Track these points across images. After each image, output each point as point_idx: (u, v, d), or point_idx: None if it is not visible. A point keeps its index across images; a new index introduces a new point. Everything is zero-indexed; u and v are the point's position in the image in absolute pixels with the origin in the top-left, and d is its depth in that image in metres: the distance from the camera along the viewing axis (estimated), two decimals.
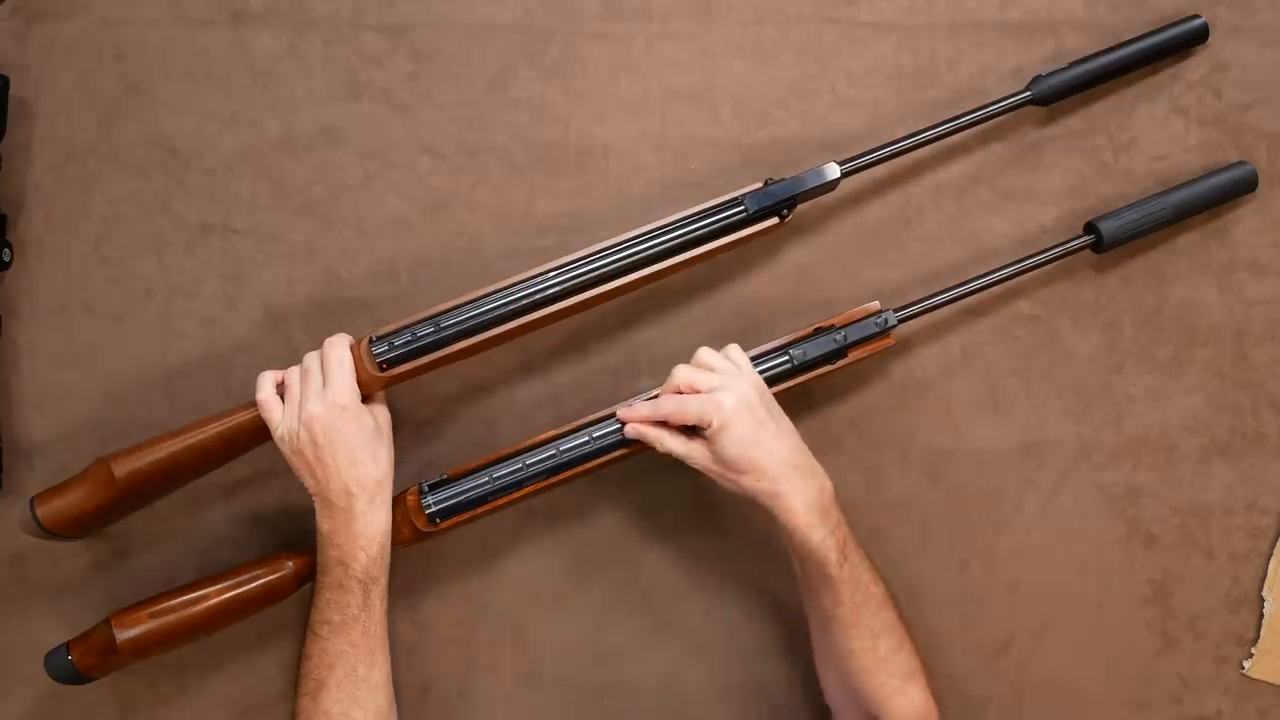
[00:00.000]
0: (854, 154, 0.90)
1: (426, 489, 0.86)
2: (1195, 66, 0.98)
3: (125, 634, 0.82)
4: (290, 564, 0.85)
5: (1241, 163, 0.96)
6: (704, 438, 0.81)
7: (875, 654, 0.81)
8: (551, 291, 0.85)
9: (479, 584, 0.93)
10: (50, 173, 0.93)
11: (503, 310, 0.84)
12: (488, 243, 0.94)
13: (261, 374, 0.84)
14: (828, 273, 0.95)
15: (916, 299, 0.90)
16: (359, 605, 0.81)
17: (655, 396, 0.85)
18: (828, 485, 0.82)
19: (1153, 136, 0.98)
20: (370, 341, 0.84)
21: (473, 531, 0.91)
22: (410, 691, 0.92)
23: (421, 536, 0.86)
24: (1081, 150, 0.97)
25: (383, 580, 0.82)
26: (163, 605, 0.83)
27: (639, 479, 0.93)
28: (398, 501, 0.85)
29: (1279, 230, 0.98)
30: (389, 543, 0.83)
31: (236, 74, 0.94)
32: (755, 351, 0.88)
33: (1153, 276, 0.97)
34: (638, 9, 0.96)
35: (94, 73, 0.94)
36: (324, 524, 0.82)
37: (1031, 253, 0.92)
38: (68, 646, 0.83)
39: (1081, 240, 0.93)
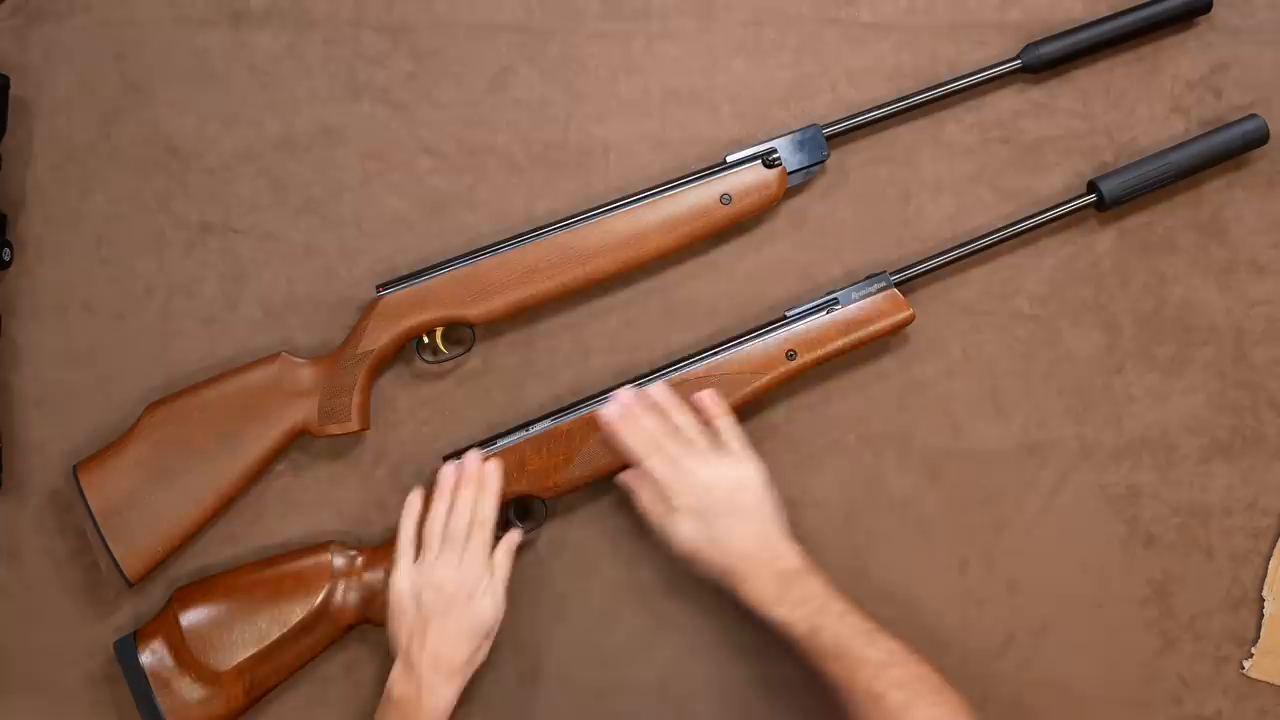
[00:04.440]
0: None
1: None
2: (1195, 66, 0.98)
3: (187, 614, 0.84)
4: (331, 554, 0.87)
5: (1252, 116, 0.95)
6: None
7: (883, 712, 0.76)
8: (548, 228, 0.89)
9: None
10: (50, 173, 0.93)
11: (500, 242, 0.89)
12: (487, 242, 0.94)
13: (413, 495, 0.85)
14: (827, 272, 0.96)
15: (918, 260, 0.91)
16: None
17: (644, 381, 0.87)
18: (790, 564, 0.82)
19: (1153, 136, 0.98)
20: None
21: None
22: None
23: None
24: (1082, 150, 0.97)
25: None
26: (223, 583, 0.86)
27: None
28: None
29: (1279, 230, 0.98)
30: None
31: (236, 74, 0.94)
32: (800, 309, 0.90)
33: (1153, 276, 0.97)
34: (638, 9, 0.96)
35: (94, 73, 0.94)
36: (398, 687, 0.81)
37: (1033, 211, 0.93)
38: (135, 635, 0.84)
39: (1084, 199, 0.93)
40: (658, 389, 0.87)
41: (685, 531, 0.83)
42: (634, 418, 0.86)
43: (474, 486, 0.85)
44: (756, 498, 0.84)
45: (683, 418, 0.86)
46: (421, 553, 0.84)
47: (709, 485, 0.84)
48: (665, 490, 0.84)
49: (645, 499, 0.86)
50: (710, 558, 0.83)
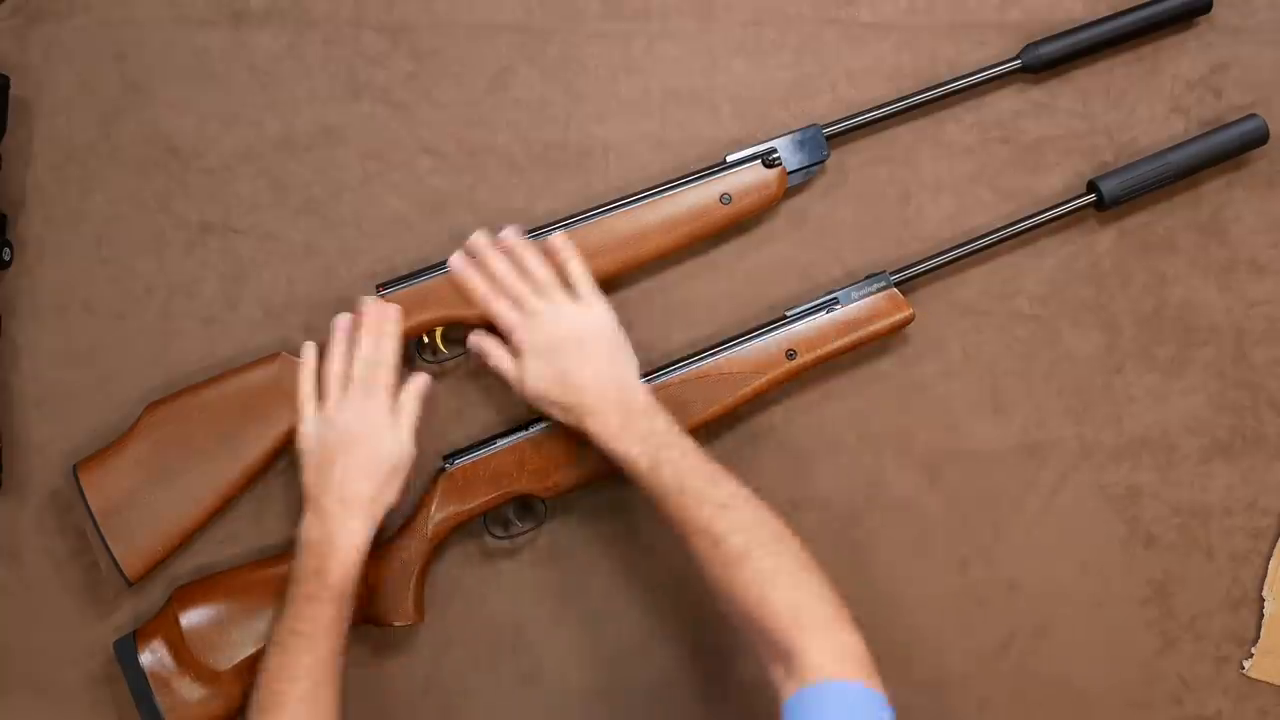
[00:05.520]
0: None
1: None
2: (1195, 66, 0.98)
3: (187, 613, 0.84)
4: None
5: (1251, 116, 0.95)
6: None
7: (718, 559, 0.76)
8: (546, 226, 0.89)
9: (479, 584, 0.93)
10: (50, 173, 0.93)
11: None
12: None
13: (306, 349, 0.86)
14: (827, 272, 0.95)
15: (918, 260, 0.92)
16: (330, 619, 0.79)
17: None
18: (636, 401, 0.82)
19: (1153, 136, 0.98)
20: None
21: (472, 531, 0.91)
22: (410, 692, 0.92)
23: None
24: (1082, 150, 0.97)
25: (353, 604, 0.81)
26: (223, 582, 0.86)
27: None
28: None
29: (1279, 230, 0.98)
30: (362, 566, 0.82)
31: (236, 74, 0.94)
32: (801, 309, 0.90)
33: (1153, 276, 0.97)
34: (638, 9, 0.96)
35: (94, 73, 0.94)
36: (310, 530, 0.81)
37: (1033, 211, 0.93)
38: (134, 635, 0.85)
39: (1084, 199, 0.93)
40: (509, 231, 0.88)
41: (534, 371, 0.84)
42: (483, 263, 0.87)
43: (373, 329, 0.85)
44: (606, 339, 0.85)
45: (533, 260, 0.86)
46: (322, 400, 0.84)
47: (558, 324, 0.84)
48: (515, 333, 0.85)
49: (494, 355, 0.86)
50: (559, 396, 0.83)
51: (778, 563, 0.75)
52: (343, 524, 0.81)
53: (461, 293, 0.87)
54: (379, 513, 0.83)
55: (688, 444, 0.81)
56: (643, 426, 0.81)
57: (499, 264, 0.86)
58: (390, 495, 0.83)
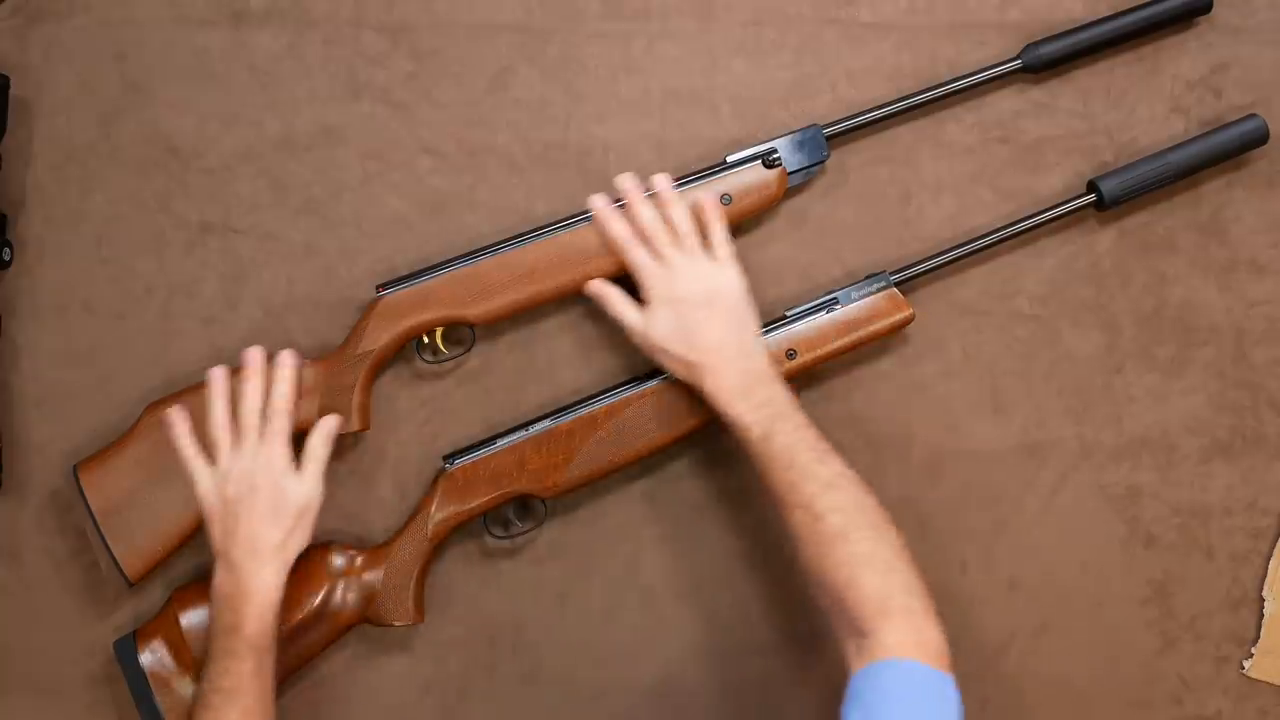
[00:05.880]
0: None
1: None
2: (1195, 66, 0.98)
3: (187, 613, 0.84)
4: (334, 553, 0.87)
5: (1251, 116, 0.95)
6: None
7: (817, 535, 0.77)
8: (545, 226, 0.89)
9: (479, 584, 0.93)
10: (50, 173, 0.93)
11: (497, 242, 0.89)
12: (487, 243, 0.94)
13: (174, 417, 0.84)
14: (827, 272, 0.95)
15: (918, 260, 0.92)
16: (251, 672, 0.78)
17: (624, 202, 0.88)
18: (757, 366, 0.83)
19: (1153, 136, 0.98)
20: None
21: (472, 531, 0.91)
22: (410, 691, 0.92)
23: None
24: (1082, 150, 0.97)
25: (274, 652, 0.80)
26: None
27: (639, 478, 0.93)
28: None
29: (1279, 230, 0.98)
30: (279, 614, 0.81)
31: (236, 74, 0.94)
32: (800, 308, 0.90)
33: (1153, 276, 0.97)
34: (638, 9, 0.96)
35: (94, 73, 0.94)
36: (223, 585, 0.81)
37: (1033, 211, 0.93)
38: (134, 635, 0.85)
39: (1084, 199, 0.93)
40: (660, 179, 0.88)
41: (661, 321, 0.85)
42: (629, 207, 0.87)
43: (258, 376, 0.84)
44: (736, 300, 0.86)
45: (680, 213, 0.87)
46: (214, 455, 0.83)
47: (694, 280, 0.85)
48: (647, 281, 0.85)
49: (615, 301, 0.87)
50: (680, 350, 0.84)
51: (873, 548, 0.76)
52: (254, 575, 0.80)
53: (602, 238, 0.88)
54: (290, 558, 0.82)
55: (801, 418, 0.82)
56: (761, 394, 0.82)
57: (645, 210, 0.87)
58: (301, 538, 0.83)
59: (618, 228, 0.87)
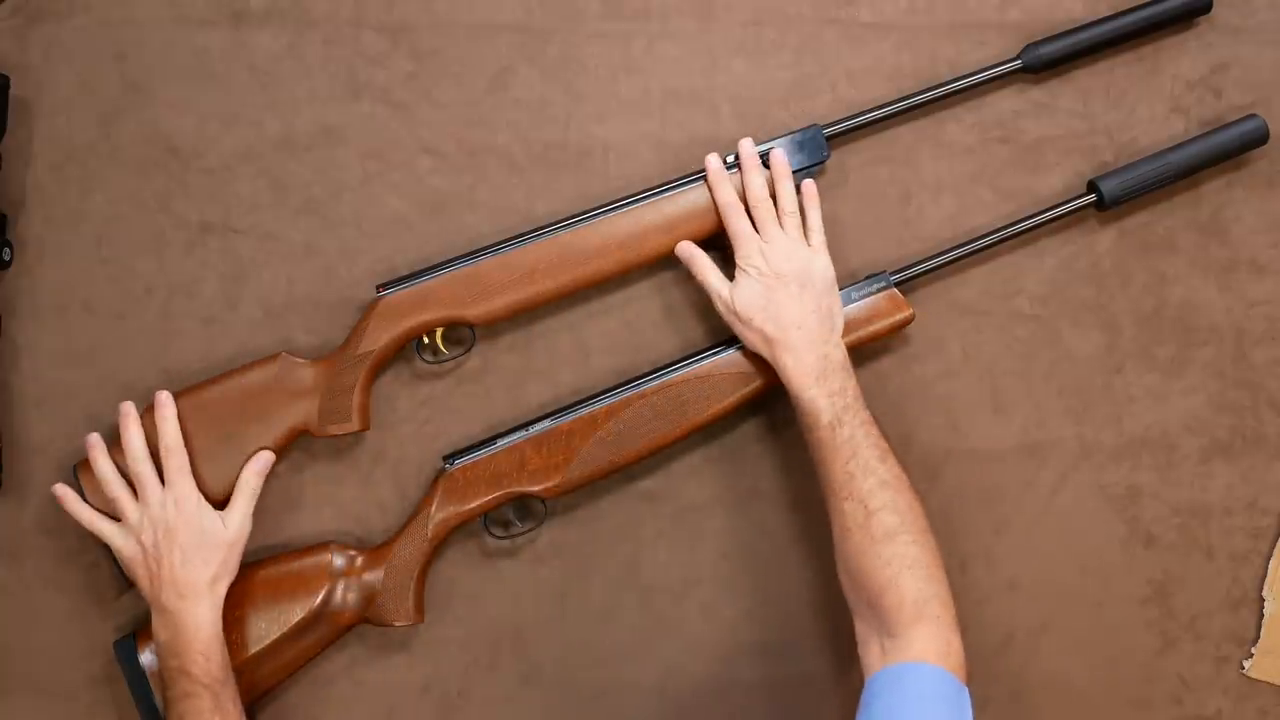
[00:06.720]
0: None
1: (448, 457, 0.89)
2: (1195, 66, 0.98)
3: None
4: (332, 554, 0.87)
5: (1251, 116, 0.95)
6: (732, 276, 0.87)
7: (867, 530, 0.79)
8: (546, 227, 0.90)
9: (479, 584, 0.93)
10: (50, 173, 0.93)
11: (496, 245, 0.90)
12: (487, 243, 0.94)
13: (61, 491, 0.84)
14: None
15: (918, 260, 0.92)
16: (210, 708, 0.79)
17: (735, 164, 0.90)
18: (835, 355, 0.85)
19: (1153, 136, 0.98)
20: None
21: (472, 531, 0.91)
22: (410, 691, 0.92)
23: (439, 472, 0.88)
24: (1081, 150, 0.97)
25: (231, 683, 0.81)
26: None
27: (639, 478, 0.93)
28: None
29: (1279, 230, 0.98)
30: (223, 646, 0.82)
31: (236, 74, 0.94)
32: None
33: (1153, 276, 0.97)
34: (638, 9, 0.96)
35: (94, 73, 0.94)
36: (161, 633, 0.81)
37: (1033, 211, 0.93)
38: (134, 635, 0.85)
39: (1084, 199, 0.93)
40: (778, 153, 0.89)
41: (749, 292, 0.86)
42: (743, 174, 0.89)
43: (134, 423, 0.84)
44: (826, 287, 0.87)
45: (788, 191, 0.88)
46: (120, 511, 0.83)
47: (789, 258, 0.86)
48: (744, 251, 0.86)
49: (704, 266, 0.88)
50: (764, 324, 0.85)
51: (919, 553, 0.78)
52: (188, 615, 0.80)
53: (708, 189, 0.89)
54: (222, 591, 0.83)
55: (867, 415, 0.84)
56: (835, 381, 0.84)
57: (756, 179, 0.88)
58: (232, 568, 0.84)
59: (727, 192, 0.88)
